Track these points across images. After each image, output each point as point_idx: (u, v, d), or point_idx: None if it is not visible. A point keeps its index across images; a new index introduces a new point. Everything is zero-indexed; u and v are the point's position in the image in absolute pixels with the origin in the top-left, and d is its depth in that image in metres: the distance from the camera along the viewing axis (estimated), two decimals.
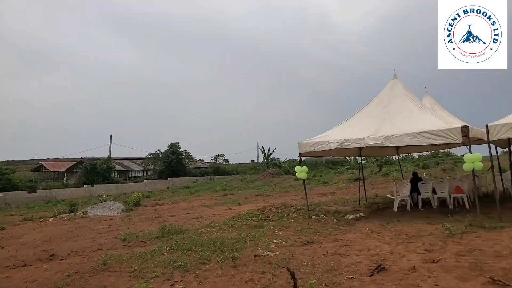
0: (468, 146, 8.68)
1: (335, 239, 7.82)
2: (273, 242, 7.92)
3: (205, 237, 9.20)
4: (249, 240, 8.23)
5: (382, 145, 9.87)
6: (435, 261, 5.35)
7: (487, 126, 8.42)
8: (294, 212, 12.18)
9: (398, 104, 10.95)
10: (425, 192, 11.51)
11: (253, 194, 24.46)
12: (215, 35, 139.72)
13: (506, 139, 11.12)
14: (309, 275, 5.36)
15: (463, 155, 29.88)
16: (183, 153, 50.24)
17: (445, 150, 38.12)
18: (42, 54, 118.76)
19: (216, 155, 65.14)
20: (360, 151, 13.77)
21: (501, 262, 5.02)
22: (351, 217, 10.42)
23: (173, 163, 47.26)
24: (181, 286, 5.48)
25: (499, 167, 10.71)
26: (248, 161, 69.65)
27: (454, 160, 34.72)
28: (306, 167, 11.50)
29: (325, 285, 4.83)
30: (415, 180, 12.32)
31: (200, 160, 64.10)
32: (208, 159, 66.42)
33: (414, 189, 11.95)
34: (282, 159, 52.80)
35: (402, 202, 11.79)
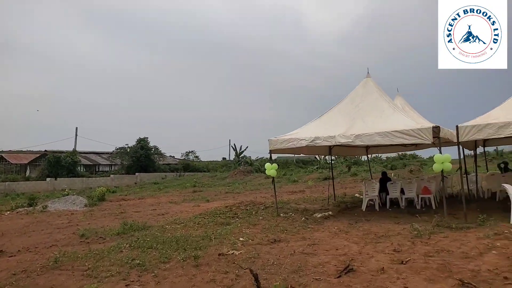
0: (439, 148, 8.66)
1: (303, 238, 7.60)
2: (239, 240, 7.62)
3: (169, 234, 8.79)
4: (214, 238, 7.90)
5: (353, 144, 9.75)
6: (404, 262, 5.19)
7: (457, 127, 8.44)
8: (262, 209, 11.93)
9: (370, 103, 10.89)
10: (393, 192, 11.53)
11: (223, 191, 24.11)
12: (189, 30, 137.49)
13: (472, 142, 11.33)
14: (275, 275, 5.09)
15: (429, 158, 30.83)
16: (152, 148, 49.02)
17: (412, 152, 39.20)
18: (4, 43, 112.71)
19: (186, 152, 64.16)
20: (330, 149, 13.67)
21: (469, 263, 4.92)
22: (319, 215, 10.27)
23: (141, 158, 46.02)
24: (137, 287, 5.07)
25: (465, 169, 10.88)
26: (220, 159, 68.88)
27: (421, 162, 35.73)
28: (276, 164, 11.27)
29: (290, 286, 4.55)
30: (384, 180, 12.34)
31: (170, 156, 62.90)
32: (178, 155, 65.31)
33: (383, 189, 11.96)
34: (254, 158, 52.68)
35: (370, 202, 11.78)
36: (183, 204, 17.03)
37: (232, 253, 6.48)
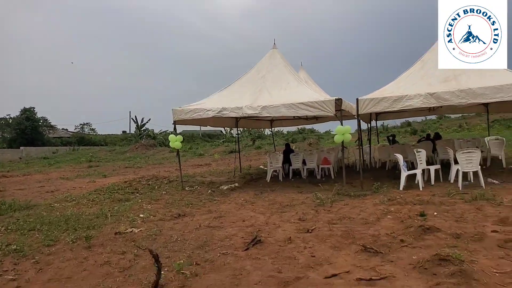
0: (340, 119, 8.98)
1: (208, 211, 7.31)
2: (140, 216, 7.04)
3: (57, 213, 7.80)
4: (111, 216, 7.19)
5: (260, 115, 9.63)
6: (310, 231, 5.22)
7: (357, 99, 8.80)
8: (166, 184, 11.34)
9: (276, 75, 10.84)
10: (296, 163, 11.86)
11: (123, 166, 22.64)
12: None
13: (368, 115, 12.10)
14: (178, 252, 4.71)
15: (325, 132, 33.14)
16: (40, 119, 43.82)
17: (310, 126, 41.65)
18: None
19: (81, 124, 58.89)
20: (237, 122, 13.51)
21: (369, 229, 5.12)
22: (226, 187, 10.09)
23: (27, 131, 40.80)
24: (11, 277, 4.25)
25: (361, 141, 11.61)
26: (119, 132, 64.50)
27: (318, 136, 37.99)
28: (180, 136, 10.69)
29: (195, 263, 4.22)
30: (287, 151, 12.62)
31: (62, 129, 57.12)
32: (72, 128, 59.66)
33: (286, 160, 12.24)
34: (157, 131, 50.39)
35: (274, 173, 11.98)
36: (76, 180, 15.49)
37: (131, 231, 5.91)
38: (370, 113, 11.69)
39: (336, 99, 8.76)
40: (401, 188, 8.20)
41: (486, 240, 4.21)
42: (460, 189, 7.50)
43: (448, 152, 9.49)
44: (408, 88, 9.06)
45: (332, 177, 11.20)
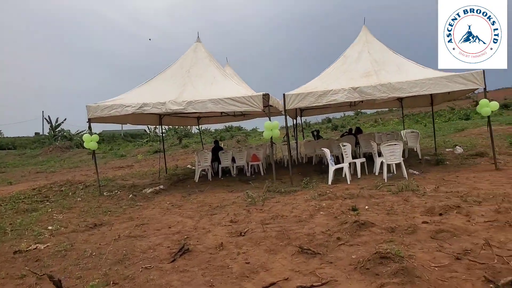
0: (268, 115, 8.78)
1: (130, 218, 6.61)
2: (48, 229, 6.12)
3: None
4: (11, 231, 6.16)
5: (185, 111, 9.04)
6: (243, 234, 4.85)
7: (284, 95, 8.67)
8: (81, 189, 10.24)
9: (201, 69, 10.32)
10: (225, 161, 11.48)
11: (33, 171, 20.32)
12: None
13: (294, 111, 12.14)
14: (93, 270, 4.04)
15: (252, 130, 33.59)
16: None
17: (237, 124, 41.64)
18: None
19: None
20: (160, 119, 12.73)
21: (303, 227, 4.90)
22: (149, 190, 9.35)
23: None
24: None
25: (288, 137, 11.59)
26: (32, 134, 58.38)
27: (245, 134, 38.07)
28: (96, 135, 9.68)
29: (113, 283, 3.61)
30: (216, 149, 12.20)
31: None
32: None
33: (215, 159, 11.81)
34: (74, 131, 46.49)
35: (203, 172, 11.49)
36: None
37: (35, 248, 5.04)
38: (296, 109, 11.73)
39: (263, 95, 8.54)
40: (329, 182, 8.23)
41: (419, 232, 4.19)
42: (386, 181, 7.71)
43: (371, 145, 9.79)
44: (332, 83, 9.16)
45: (262, 174, 11.04)
